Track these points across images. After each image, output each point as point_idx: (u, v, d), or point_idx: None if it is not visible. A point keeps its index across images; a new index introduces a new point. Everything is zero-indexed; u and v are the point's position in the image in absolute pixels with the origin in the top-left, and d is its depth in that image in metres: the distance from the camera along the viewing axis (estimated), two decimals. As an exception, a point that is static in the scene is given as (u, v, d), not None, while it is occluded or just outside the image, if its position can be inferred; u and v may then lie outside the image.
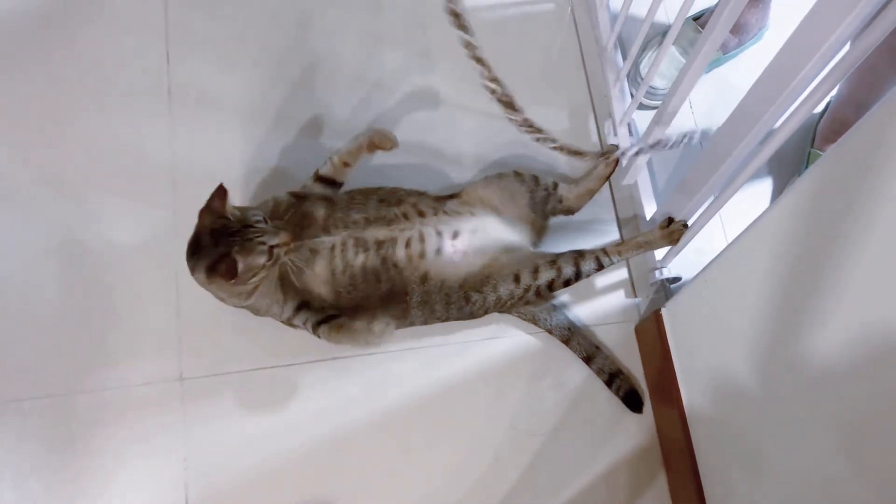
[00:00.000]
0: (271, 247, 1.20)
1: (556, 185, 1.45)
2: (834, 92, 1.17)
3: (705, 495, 1.25)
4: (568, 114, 1.63)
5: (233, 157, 1.55)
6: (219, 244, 1.18)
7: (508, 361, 1.47)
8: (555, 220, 1.48)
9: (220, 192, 1.21)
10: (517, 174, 1.43)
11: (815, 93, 0.86)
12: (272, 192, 1.39)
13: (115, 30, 1.64)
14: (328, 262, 1.29)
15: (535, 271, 1.34)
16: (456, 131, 1.61)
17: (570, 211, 1.47)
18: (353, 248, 1.30)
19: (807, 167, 1.52)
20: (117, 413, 1.40)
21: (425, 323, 1.37)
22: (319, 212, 1.33)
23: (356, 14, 1.69)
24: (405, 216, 1.33)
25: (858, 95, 1.38)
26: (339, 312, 1.31)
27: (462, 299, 1.34)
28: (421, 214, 1.34)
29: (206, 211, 1.21)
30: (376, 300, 1.32)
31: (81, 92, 1.59)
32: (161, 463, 1.38)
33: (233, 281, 1.18)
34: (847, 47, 0.80)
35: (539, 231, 1.45)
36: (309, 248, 1.28)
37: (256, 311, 1.33)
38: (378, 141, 1.40)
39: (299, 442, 1.40)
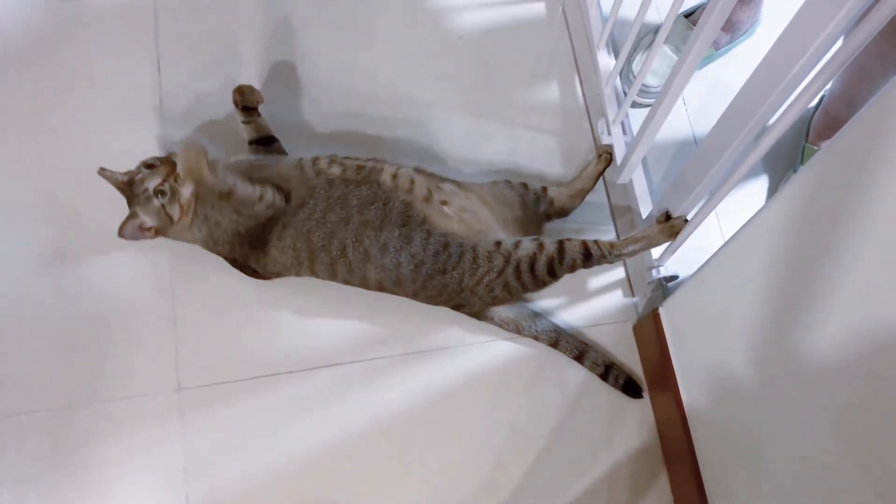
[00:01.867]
0: (157, 189, 1.31)
1: (545, 189, 1.45)
2: (827, 87, 1.17)
3: (706, 493, 1.25)
4: (561, 114, 1.63)
5: (226, 165, 1.55)
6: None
7: (507, 363, 1.46)
8: (554, 222, 1.48)
9: (101, 172, 1.35)
10: (507, 182, 1.44)
11: (810, 88, 0.86)
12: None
13: (105, 41, 1.64)
14: (292, 163, 1.36)
15: (517, 242, 1.31)
16: (448, 134, 1.61)
17: (563, 213, 1.47)
18: (325, 160, 1.36)
19: (801, 162, 1.52)
20: (116, 425, 1.40)
21: (397, 260, 1.31)
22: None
23: (346, 18, 1.69)
24: (396, 168, 1.37)
25: (850, 92, 1.38)
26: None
27: (440, 244, 1.30)
28: (412, 181, 1.35)
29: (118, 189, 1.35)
30: (354, 202, 1.32)
31: (73, 104, 1.59)
32: (161, 474, 1.38)
33: (149, 232, 1.34)
34: (840, 42, 0.79)
35: (532, 234, 1.44)
36: (274, 157, 1.42)
37: (212, 238, 1.37)
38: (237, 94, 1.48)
39: (299, 450, 1.40)
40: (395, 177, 1.34)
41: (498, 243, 1.31)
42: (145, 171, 1.32)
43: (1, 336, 1.44)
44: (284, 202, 1.32)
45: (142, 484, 1.38)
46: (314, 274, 1.37)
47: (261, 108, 1.50)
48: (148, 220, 1.32)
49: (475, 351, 1.47)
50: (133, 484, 1.38)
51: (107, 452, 1.39)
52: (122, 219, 1.32)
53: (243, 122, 1.50)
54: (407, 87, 1.64)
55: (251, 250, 1.35)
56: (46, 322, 1.45)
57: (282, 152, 1.51)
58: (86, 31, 1.64)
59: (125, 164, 1.52)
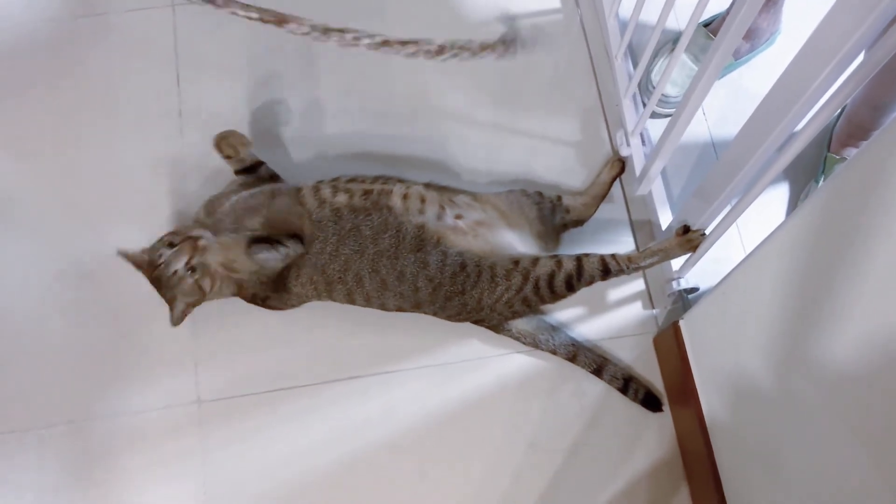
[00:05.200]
0: (187, 267, 1.28)
1: (560, 198, 1.45)
2: (850, 96, 1.16)
3: (729, 506, 1.24)
4: (579, 124, 1.62)
5: (245, 178, 1.55)
6: (162, 294, 1.31)
7: (525, 376, 1.45)
8: (571, 233, 1.47)
9: (121, 252, 1.32)
10: (523, 191, 1.44)
11: (834, 99, 0.85)
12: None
13: (125, 55, 1.66)
14: (291, 197, 1.33)
15: (535, 260, 1.30)
16: (464, 146, 1.61)
17: (579, 221, 1.46)
18: (329, 189, 1.33)
19: (823, 171, 1.50)
20: (135, 438, 1.41)
21: (415, 285, 1.31)
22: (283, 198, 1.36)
23: (367, 29, 1.69)
24: (405, 185, 1.35)
25: (874, 98, 1.36)
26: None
27: (457, 265, 1.29)
28: (427, 188, 1.35)
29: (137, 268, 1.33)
30: (367, 232, 1.30)
31: (93, 117, 1.61)
32: (180, 487, 1.38)
33: (190, 309, 1.32)
34: (862, 56, 0.79)
35: (549, 245, 1.44)
36: (270, 190, 1.36)
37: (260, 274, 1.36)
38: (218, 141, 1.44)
39: (318, 463, 1.40)
40: (405, 198, 1.32)
41: (516, 261, 1.30)
42: (167, 251, 1.28)
43: (22, 349, 1.46)
44: (303, 247, 1.32)
45: (161, 496, 1.38)
46: (333, 300, 1.38)
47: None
48: (187, 299, 1.31)
49: (493, 364, 1.46)
50: (152, 496, 1.38)
51: (127, 465, 1.39)
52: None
53: (226, 158, 1.46)
54: (424, 99, 1.64)
55: (273, 292, 1.37)
56: (67, 336, 1.46)
57: (274, 177, 1.47)
58: (106, 46, 1.66)
59: (145, 177, 1.54)
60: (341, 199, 1.32)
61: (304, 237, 1.32)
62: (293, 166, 1.57)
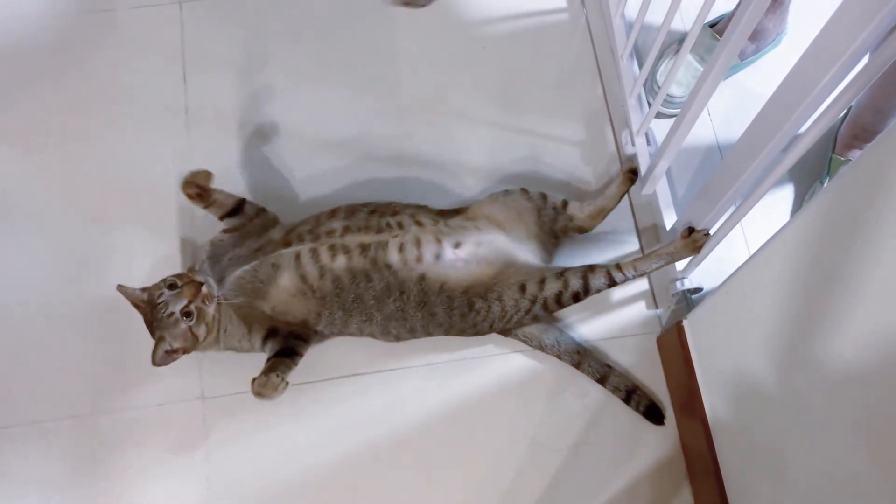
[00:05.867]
0: (184, 311, 1.25)
1: (565, 204, 1.42)
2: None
3: (731, 508, 1.24)
4: (584, 124, 1.62)
5: (253, 176, 1.56)
6: (153, 333, 1.28)
7: (528, 375, 1.46)
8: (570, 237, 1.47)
9: (120, 289, 1.30)
10: (524, 191, 1.42)
11: (836, 103, 0.85)
12: (293, 214, 1.40)
13: (132, 51, 1.66)
14: (294, 271, 1.30)
15: (542, 282, 1.31)
16: (470, 144, 1.61)
17: (582, 230, 1.44)
18: (327, 252, 1.29)
19: (828, 173, 1.50)
20: (140, 433, 1.41)
21: (427, 331, 1.34)
22: (274, 234, 1.37)
23: (373, 29, 1.70)
24: (399, 225, 1.33)
25: (879, 101, 1.36)
26: (311, 332, 1.35)
27: (465, 305, 1.31)
28: (419, 224, 1.33)
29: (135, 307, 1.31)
30: (371, 301, 1.30)
31: (99, 113, 1.61)
32: (184, 482, 1.39)
33: (177, 354, 1.28)
34: (866, 59, 0.79)
35: (549, 249, 1.43)
36: (271, 263, 1.31)
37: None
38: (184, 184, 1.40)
39: (322, 459, 1.40)
40: (401, 249, 1.29)
41: (522, 287, 1.30)
42: (167, 292, 1.26)
43: (27, 344, 1.46)
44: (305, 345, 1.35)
45: (165, 491, 1.39)
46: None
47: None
48: (175, 343, 1.26)
49: (496, 363, 1.46)
50: (156, 491, 1.38)
51: (131, 460, 1.40)
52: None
53: (204, 208, 1.42)
54: (430, 98, 1.65)
55: None
56: (72, 331, 1.47)
57: (265, 221, 1.42)
58: (113, 42, 1.66)
59: (152, 173, 1.55)
60: (340, 262, 1.29)
61: (308, 326, 1.35)
62: (293, 163, 1.58)
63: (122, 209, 1.52)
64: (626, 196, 1.51)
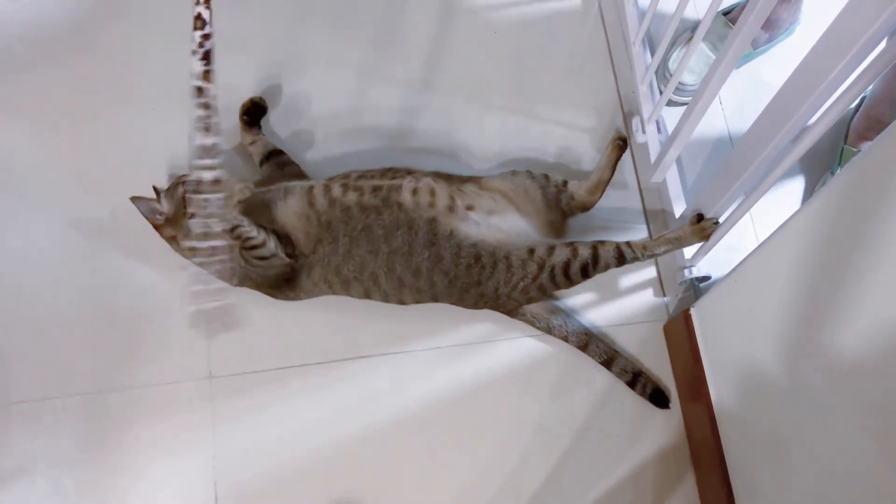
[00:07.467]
0: (183, 179, 1.35)
1: (565, 184, 1.43)
2: (869, 88, 1.15)
3: (734, 494, 1.24)
4: (595, 111, 1.62)
5: (260, 157, 1.56)
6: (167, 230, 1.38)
7: (535, 360, 1.46)
8: (582, 219, 1.46)
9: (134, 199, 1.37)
10: (528, 172, 1.42)
11: (850, 90, 0.85)
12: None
13: (143, 31, 1.66)
14: (303, 198, 1.32)
15: (551, 248, 1.31)
16: (480, 128, 1.61)
17: (584, 208, 1.44)
18: (339, 188, 1.32)
19: (840, 164, 1.50)
20: (147, 411, 1.42)
21: (431, 280, 1.32)
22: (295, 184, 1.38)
23: (385, 12, 1.69)
24: (414, 178, 1.34)
25: (894, 92, 1.35)
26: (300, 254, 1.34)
27: (471, 256, 1.30)
28: (433, 192, 1.33)
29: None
30: (379, 231, 1.30)
31: (110, 92, 1.61)
32: (190, 460, 1.40)
33: (162, 216, 1.35)
34: (883, 44, 0.78)
35: (558, 229, 1.43)
36: (283, 188, 1.34)
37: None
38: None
39: (327, 440, 1.41)
40: (415, 192, 1.31)
41: (531, 250, 1.31)
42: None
43: (37, 321, 1.47)
44: (287, 256, 1.31)
45: (172, 469, 1.40)
46: (349, 296, 1.39)
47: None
48: (165, 206, 1.35)
49: (504, 347, 1.47)
50: (163, 468, 1.40)
51: (138, 437, 1.41)
52: (165, 252, 1.38)
53: (250, 144, 1.52)
54: (439, 81, 1.64)
55: (284, 290, 1.38)
56: (82, 308, 1.47)
57: (294, 172, 1.47)
58: (125, 22, 1.66)
59: (161, 153, 1.55)
60: (351, 197, 1.31)
61: (297, 245, 1.33)
62: (303, 145, 1.59)
63: (132, 188, 1.52)
64: (632, 170, 1.51)
